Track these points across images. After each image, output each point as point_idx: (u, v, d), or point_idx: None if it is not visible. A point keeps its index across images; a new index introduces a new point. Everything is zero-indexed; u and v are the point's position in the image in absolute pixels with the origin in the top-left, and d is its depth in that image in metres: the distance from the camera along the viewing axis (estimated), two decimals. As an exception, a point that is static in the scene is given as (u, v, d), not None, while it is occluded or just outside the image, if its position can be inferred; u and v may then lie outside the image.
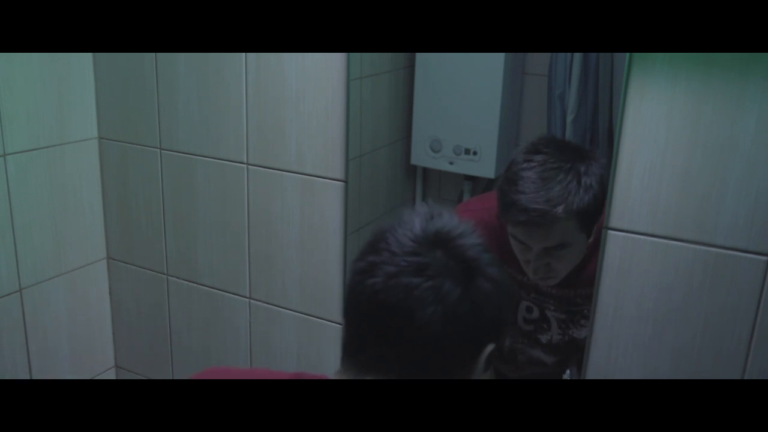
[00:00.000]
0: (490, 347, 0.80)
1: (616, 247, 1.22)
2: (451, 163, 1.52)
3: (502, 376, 1.46)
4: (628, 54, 1.14)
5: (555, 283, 1.27)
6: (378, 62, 1.50)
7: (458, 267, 0.76)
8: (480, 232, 1.30)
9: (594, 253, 1.23)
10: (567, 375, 1.36)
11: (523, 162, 1.15)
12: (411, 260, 0.76)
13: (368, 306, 0.78)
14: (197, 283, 1.74)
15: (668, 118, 1.14)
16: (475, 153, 1.49)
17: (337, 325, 1.56)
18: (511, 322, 0.80)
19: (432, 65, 1.50)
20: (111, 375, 1.96)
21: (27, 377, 1.73)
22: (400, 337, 0.76)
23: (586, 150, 1.19)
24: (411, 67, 1.51)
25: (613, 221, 1.21)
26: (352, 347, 0.82)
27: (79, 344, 1.85)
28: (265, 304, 1.65)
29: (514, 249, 1.24)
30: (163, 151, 1.69)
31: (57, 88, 1.65)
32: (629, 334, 1.25)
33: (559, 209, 1.11)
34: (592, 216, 1.17)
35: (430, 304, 0.74)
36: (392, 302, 0.75)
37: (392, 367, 0.78)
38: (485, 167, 1.49)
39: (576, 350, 1.33)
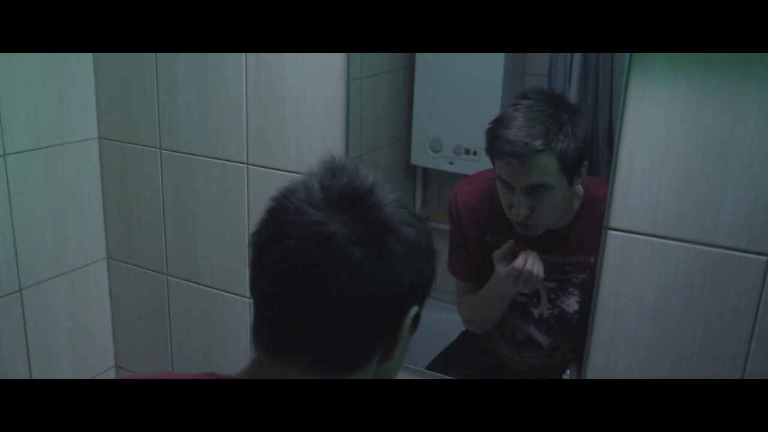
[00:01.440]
0: (413, 310, 0.74)
1: (616, 247, 1.22)
2: (451, 163, 1.52)
3: (504, 362, 1.48)
4: (628, 54, 1.14)
5: (538, 234, 1.30)
6: (378, 62, 1.50)
7: (368, 230, 0.68)
8: (474, 198, 1.36)
9: (581, 218, 1.28)
10: (567, 375, 1.36)
11: (510, 106, 1.25)
12: (314, 231, 0.68)
13: (271, 286, 0.71)
14: (197, 283, 1.74)
15: (668, 118, 1.14)
16: (475, 153, 1.48)
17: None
18: (433, 281, 0.78)
19: (432, 65, 1.49)
20: (111, 375, 1.96)
21: (27, 377, 1.73)
22: (310, 316, 0.69)
23: (572, 103, 1.27)
24: (411, 67, 1.51)
25: (613, 221, 1.21)
26: (261, 332, 0.75)
27: (79, 344, 1.85)
28: (265, 304, 1.65)
29: (500, 195, 1.29)
30: (163, 151, 1.69)
31: (57, 88, 1.65)
32: (629, 335, 1.25)
33: (539, 143, 1.19)
34: (573, 162, 1.23)
35: (339, 277, 0.67)
36: (296, 281, 0.68)
37: (307, 349, 0.72)
38: (485, 167, 1.48)
39: (567, 330, 1.36)
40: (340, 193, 0.70)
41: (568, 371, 1.36)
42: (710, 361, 1.20)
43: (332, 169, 0.72)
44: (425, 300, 0.77)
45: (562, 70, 1.35)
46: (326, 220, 0.68)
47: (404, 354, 0.79)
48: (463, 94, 1.48)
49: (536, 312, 1.37)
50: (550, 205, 1.26)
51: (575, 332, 1.34)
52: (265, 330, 0.75)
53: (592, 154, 1.35)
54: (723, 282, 1.15)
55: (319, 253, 0.67)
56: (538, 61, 1.41)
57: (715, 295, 1.17)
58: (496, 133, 1.24)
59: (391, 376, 0.83)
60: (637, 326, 1.24)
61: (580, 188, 1.29)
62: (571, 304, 1.34)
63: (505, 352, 1.46)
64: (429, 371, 1.52)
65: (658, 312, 1.22)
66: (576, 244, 1.30)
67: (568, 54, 1.34)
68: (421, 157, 1.56)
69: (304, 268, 0.68)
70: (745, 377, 1.17)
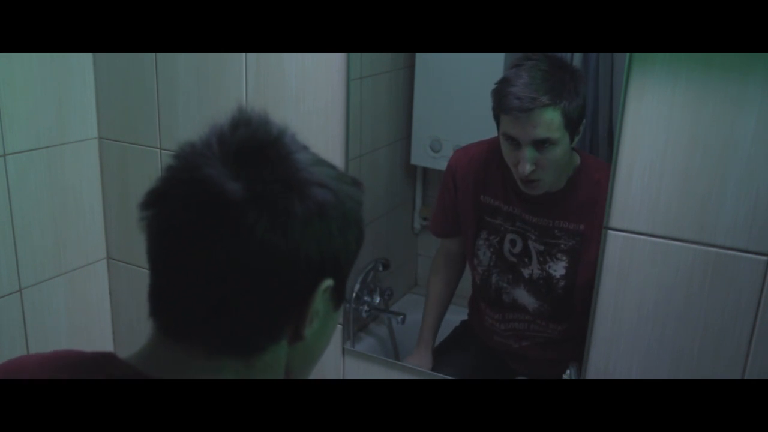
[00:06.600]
0: (326, 283, 0.65)
1: (616, 247, 1.22)
2: (451, 163, 1.52)
3: (488, 331, 1.50)
4: (628, 54, 1.14)
5: (538, 193, 1.34)
6: (378, 62, 1.50)
7: (266, 188, 0.60)
8: (474, 161, 1.42)
9: (575, 185, 1.34)
10: (567, 375, 1.36)
11: (513, 67, 1.31)
12: (201, 187, 0.61)
13: (158, 249, 0.65)
14: (197, 283, 1.74)
15: (668, 118, 1.14)
16: (475, 153, 1.49)
17: (339, 325, 1.56)
18: (352, 253, 0.69)
19: (432, 65, 1.50)
20: (111, 375, 1.96)
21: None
22: (197, 285, 0.62)
23: (572, 66, 1.33)
24: (411, 67, 1.51)
25: (613, 221, 1.21)
26: (152, 305, 0.67)
27: (79, 344, 1.85)
28: (265, 304, 1.65)
29: (505, 154, 1.34)
30: (163, 151, 1.69)
31: (57, 88, 1.65)
32: (629, 334, 1.25)
33: (546, 98, 1.25)
34: (575, 118, 1.29)
35: (229, 240, 0.60)
36: (182, 244, 0.62)
37: (199, 326, 0.64)
38: (485, 167, 1.48)
39: (553, 298, 1.39)
40: (238, 146, 0.62)
41: (568, 371, 1.36)
42: (710, 361, 1.19)
43: (236, 121, 0.64)
44: (346, 274, 0.69)
45: (562, 70, 1.36)
46: (216, 175, 0.60)
47: (323, 336, 0.72)
48: (463, 94, 1.48)
49: (526, 272, 1.41)
50: (553, 161, 1.31)
51: (560, 306, 1.38)
52: (155, 303, 0.67)
53: (592, 153, 1.35)
54: (723, 282, 1.15)
55: (205, 212, 0.60)
56: (538, 61, 1.41)
57: (715, 295, 1.17)
58: (504, 90, 1.29)
59: (307, 362, 0.74)
60: (637, 326, 1.24)
61: (576, 156, 1.34)
62: (558, 269, 1.37)
63: (490, 322, 1.49)
64: (427, 371, 1.52)
65: (658, 312, 1.22)
66: (567, 211, 1.35)
67: (568, 54, 1.34)
68: (421, 157, 1.56)
69: (188, 229, 0.61)
70: (745, 377, 1.17)
